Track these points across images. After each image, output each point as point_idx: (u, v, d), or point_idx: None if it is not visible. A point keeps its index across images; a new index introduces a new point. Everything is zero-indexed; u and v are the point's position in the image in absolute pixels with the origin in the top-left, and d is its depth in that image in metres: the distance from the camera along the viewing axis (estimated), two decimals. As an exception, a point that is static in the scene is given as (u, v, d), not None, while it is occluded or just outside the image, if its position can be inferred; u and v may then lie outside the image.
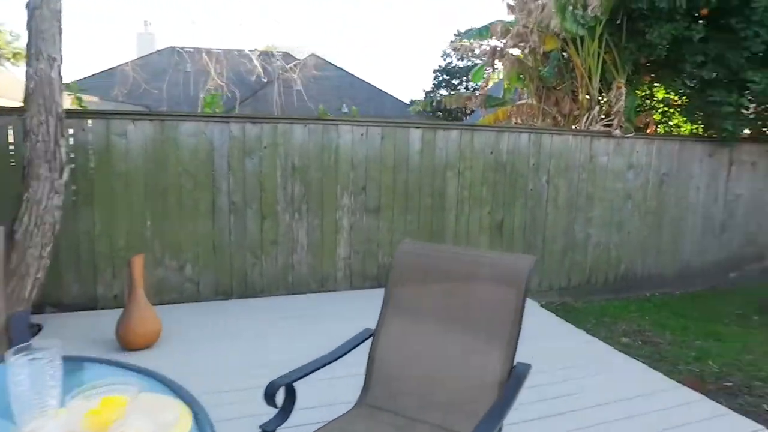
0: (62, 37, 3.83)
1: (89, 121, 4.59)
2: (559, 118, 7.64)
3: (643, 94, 9.71)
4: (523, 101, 8.29)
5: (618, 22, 7.05)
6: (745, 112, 6.94)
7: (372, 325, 2.20)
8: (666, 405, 3.22)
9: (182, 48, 17.23)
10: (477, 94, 8.49)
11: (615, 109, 6.73)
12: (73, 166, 4.40)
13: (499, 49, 8.14)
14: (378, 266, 5.62)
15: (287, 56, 18.84)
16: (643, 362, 4.42)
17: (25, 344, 1.17)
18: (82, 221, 4.62)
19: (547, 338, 4.30)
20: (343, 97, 19.46)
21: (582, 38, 6.97)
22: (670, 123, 9.69)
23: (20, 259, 3.64)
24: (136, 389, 1.15)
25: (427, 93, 26.64)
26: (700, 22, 6.70)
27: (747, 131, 7.06)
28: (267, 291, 5.28)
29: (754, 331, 5.58)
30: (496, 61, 8.75)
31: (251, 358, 3.75)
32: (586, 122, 6.84)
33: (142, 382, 1.31)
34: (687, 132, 8.73)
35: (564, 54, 7.75)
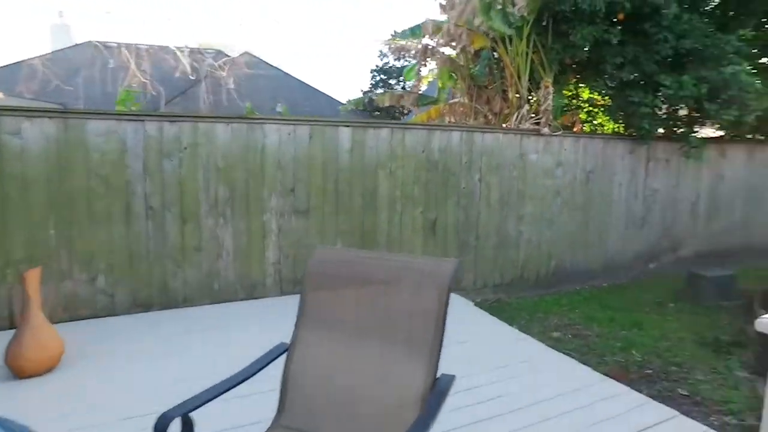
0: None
1: (-26, 119, 4.10)
2: (491, 117, 7.74)
3: (570, 93, 10.08)
4: (456, 100, 8.34)
5: (544, 23, 7.23)
6: (659, 112, 7.31)
7: (296, 334, 2.03)
8: (593, 399, 3.26)
9: (103, 43, 16.13)
10: (410, 93, 8.44)
11: (543, 108, 6.90)
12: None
13: (430, 48, 8.14)
14: (310, 270, 5.42)
15: (220, 54, 18.15)
16: (573, 356, 4.51)
17: None
18: (-31, 231, 4.12)
19: (480, 338, 4.29)
20: (278, 96, 18.99)
21: (510, 38, 7.08)
22: (595, 122, 10.11)
23: None
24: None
25: (364, 93, 26.56)
26: (618, 27, 6.98)
27: (661, 130, 7.43)
28: (191, 300, 4.95)
29: (671, 318, 5.87)
30: (429, 60, 8.76)
31: (161, 378, 3.41)
32: (516, 121, 6.95)
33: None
34: (610, 130, 9.12)
35: (494, 53, 7.85)
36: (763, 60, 8.42)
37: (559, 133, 6.68)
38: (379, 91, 25.57)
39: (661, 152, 7.57)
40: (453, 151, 5.97)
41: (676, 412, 3.11)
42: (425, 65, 8.35)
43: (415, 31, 8.55)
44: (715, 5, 7.86)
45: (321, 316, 1.98)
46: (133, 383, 3.34)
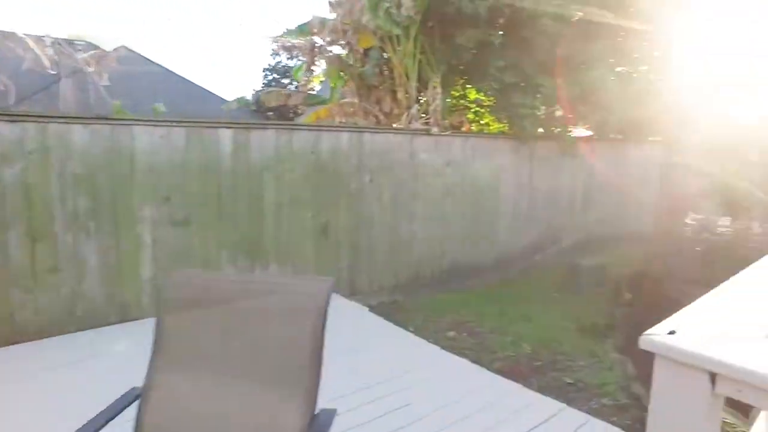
0: None
1: None
2: (381, 117, 7.71)
3: (458, 94, 10.39)
4: (346, 100, 8.20)
5: (431, 24, 7.33)
6: (539, 113, 7.75)
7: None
8: (489, 400, 3.26)
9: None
10: (298, 92, 8.16)
11: (432, 108, 6.98)
12: None
13: (318, 46, 7.92)
14: (192, 285, 4.96)
15: (90, 46, 16.36)
16: (468, 355, 4.56)
17: None
18: None
19: (376, 346, 4.16)
20: (160, 95, 17.61)
21: (398, 37, 7.08)
22: (482, 122, 10.52)
23: None
24: None
25: (256, 92, 25.54)
26: (500, 32, 7.29)
27: (541, 130, 7.88)
28: (47, 331, 4.27)
29: (554, 307, 6.21)
30: (318, 59, 8.53)
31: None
32: (406, 121, 6.96)
33: None
34: (496, 130, 9.53)
35: (383, 53, 7.82)
36: (619, 68, 9.26)
37: (448, 132, 6.80)
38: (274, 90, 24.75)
39: (543, 151, 8.03)
40: (343, 152, 5.81)
41: (563, 405, 3.21)
42: (315, 64, 8.11)
43: (304, 29, 8.28)
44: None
45: (180, 351, 1.69)
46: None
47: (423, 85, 7.45)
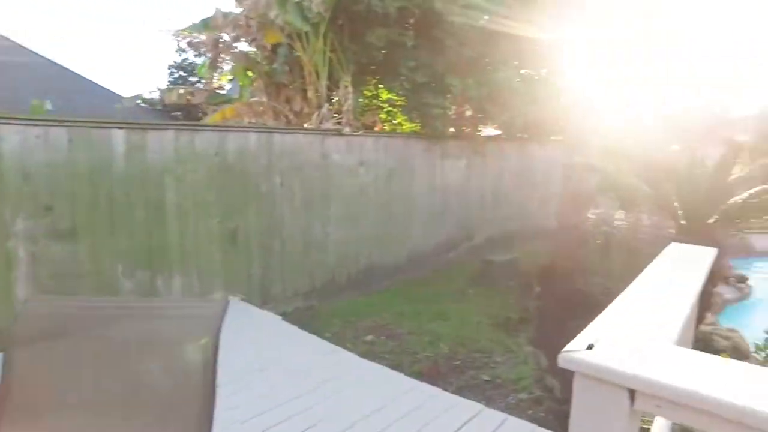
0: None
1: None
2: (292, 117, 7.44)
3: (370, 94, 10.34)
4: (255, 99, 7.83)
5: (340, 22, 7.18)
6: (449, 113, 7.87)
7: None
8: (410, 406, 3.17)
9: None
10: (201, 90, 7.65)
11: (344, 108, 6.84)
12: None
13: (223, 42, 7.47)
14: (81, 303, 4.43)
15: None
16: (387, 359, 4.48)
17: None
18: None
19: (290, 358, 3.93)
20: (48, 90, 15.92)
21: (307, 34, 6.85)
22: (395, 121, 10.55)
23: None
24: None
25: (160, 91, 23.97)
26: (411, 32, 7.29)
27: (452, 129, 8.02)
28: None
29: (469, 304, 6.31)
30: (224, 56, 8.06)
31: None
32: (317, 120, 6.75)
33: None
34: (408, 130, 9.58)
35: (292, 50, 7.55)
36: (524, 71, 9.68)
37: (360, 132, 6.69)
38: (180, 90, 23.37)
39: (454, 150, 8.17)
40: (251, 154, 5.49)
41: (482, 406, 3.19)
42: (220, 61, 7.65)
43: (207, 23, 7.78)
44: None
45: (38, 398, 1.40)
46: None
47: (334, 84, 7.29)
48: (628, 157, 6.46)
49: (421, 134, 7.82)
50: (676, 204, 5.41)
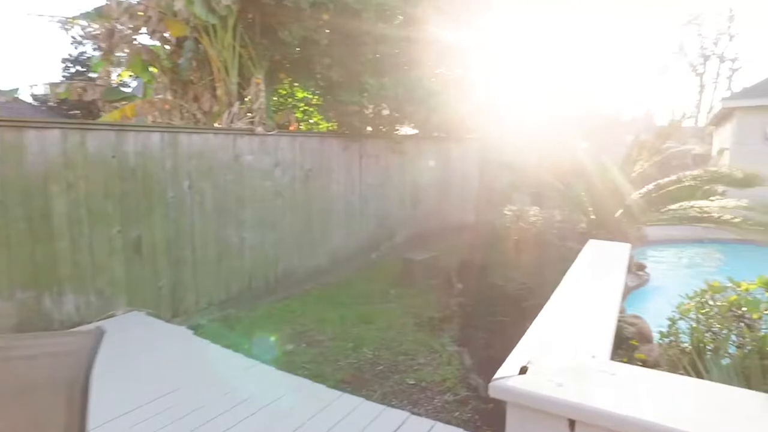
0: None
1: None
2: (200, 116, 6.96)
3: (285, 92, 10.02)
4: (159, 96, 7.24)
5: (251, 16, 6.83)
6: (366, 111, 7.77)
7: None
8: (334, 420, 3.00)
9: None
10: (96, 85, 6.94)
11: (256, 106, 6.50)
12: None
13: (120, 33, 6.81)
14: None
15: None
16: (309, 369, 4.27)
17: None
18: None
19: (199, 379, 3.59)
20: None
21: (215, 28, 6.44)
22: (311, 121, 10.30)
23: None
24: None
25: (46, 85, 21.78)
26: (327, 30, 7.10)
27: (369, 128, 7.93)
28: None
29: (393, 305, 6.24)
30: (123, 49, 7.37)
31: None
32: (227, 120, 6.37)
33: None
34: (325, 129, 9.38)
35: (200, 44, 7.07)
36: (438, 70, 9.83)
37: (274, 132, 6.39)
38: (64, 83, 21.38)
39: (372, 149, 8.09)
40: (154, 156, 5.04)
41: (408, 413, 3.10)
42: (115, 54, 6.98)
43: (101, 12, 7.07)
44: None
45: None
46: None
47: (246, 81, 6.91)
48: (541, 155, 6.71)
49: (338, 133, 7.66)
50: (585, 200, 5.68)
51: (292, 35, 6.69)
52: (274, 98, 9.40)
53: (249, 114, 6.71)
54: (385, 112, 8.11)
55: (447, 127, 9.25)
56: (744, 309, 2.70)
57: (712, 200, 5.09)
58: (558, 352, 1.09)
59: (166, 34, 6.82)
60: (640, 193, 5.48)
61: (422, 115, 8.11)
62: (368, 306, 6.16)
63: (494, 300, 5.63)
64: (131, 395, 3.17)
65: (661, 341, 3.08)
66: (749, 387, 2.32)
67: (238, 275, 6.04)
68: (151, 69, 7.51)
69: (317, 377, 4.10)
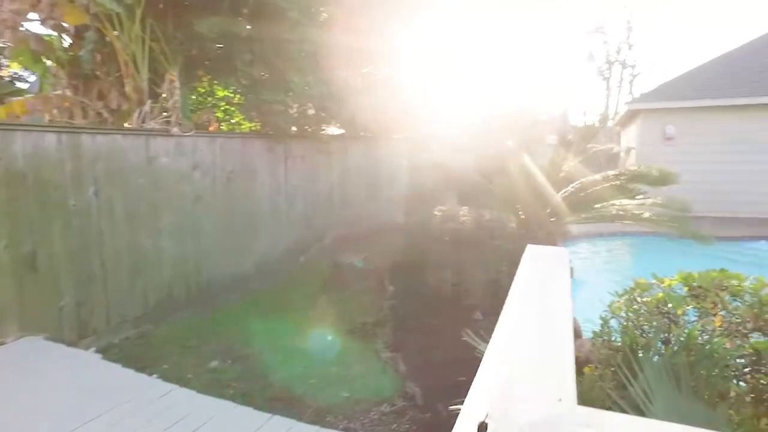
0: None
1: None
2: (107, 115, 6.34)
3: (204, 90, 9.45)
4: (57, 92, 6.51)
5: (161, 6, 6.31)
6: (291, 111, 7.47)
7: None
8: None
9: None
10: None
11: (170, 105, 6.02)
12: None
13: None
14: None
15: None
16: (235, 389, 3.97)
17: None
18: None
19: (110, 413, 3.20)
20: None
21: (120, 17, 5.87)
22: (233, 121, 9.80)
23: None
24: None
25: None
26: (248, 27, 6.72)
27: (294, 128, 7.63)
28: None
29: (324, 311, 5.99)
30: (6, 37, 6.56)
31: None
32: (138, 119, 5.84)
33: None
34: (248, 129, 8.94)
35: (105, 36, 6.44)
36: (365, 70, 9.71)
37: (192, 132, 5.96)
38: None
39: (297, 150, 7.80)
40: (50, 159, 4.49)
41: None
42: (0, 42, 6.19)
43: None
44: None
45: None
46: None
47: (159, 78, 6.39)
48: (469, 155, 6.75)
49: (262, 134, 7.30)
50: (514, 199, 5.76)
51: (210, 29, 6.26)
52: (193, 97, 8.84)
53: (164, 113, 6.21)
54: (311, 111, 7.85)
55: (374, 127, 9.13)
56: (670, 305, 2.77)
57: (637, 198, 5.39)
58: (519, 397, 0.95)
59: (64, 24, 6.13)
60: (566, 192, 5.64)
61: (348, 114, 7.94)
62: (298, 314, 5.89)
63: (427, 302, 5.58)
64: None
65: (594, 340, 3.11)
66: (678, 384, 2.36)
67: (155, 287, 5.56)
68: (48, 62, 6.74)
69: (245, 396, 3.83)
